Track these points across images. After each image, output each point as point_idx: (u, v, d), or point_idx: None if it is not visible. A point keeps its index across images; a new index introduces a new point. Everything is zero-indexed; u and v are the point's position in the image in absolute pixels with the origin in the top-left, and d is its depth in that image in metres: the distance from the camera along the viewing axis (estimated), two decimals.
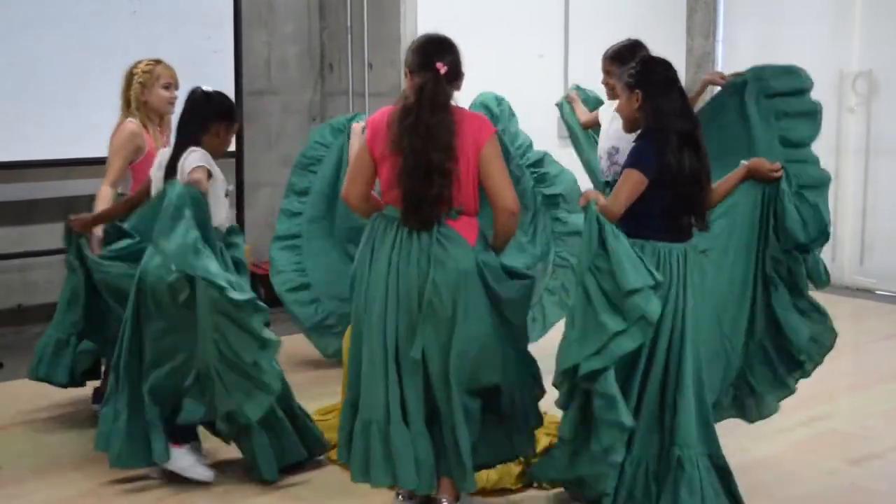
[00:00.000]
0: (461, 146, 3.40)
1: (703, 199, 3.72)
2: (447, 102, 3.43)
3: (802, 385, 4.03)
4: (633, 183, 3.59)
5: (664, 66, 3.76)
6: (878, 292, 7.57)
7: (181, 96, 4.45)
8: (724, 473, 3.67)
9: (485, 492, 4.02)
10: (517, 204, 3.57)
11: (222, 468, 4.25)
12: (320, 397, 4.88)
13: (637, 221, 3.62)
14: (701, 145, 3.69)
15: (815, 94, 4.06)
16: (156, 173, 4.27)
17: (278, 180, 7.48)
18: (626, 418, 3.47)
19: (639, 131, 3.77)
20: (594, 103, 5.30)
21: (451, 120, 3.40)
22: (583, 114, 5.28)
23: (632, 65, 3.78)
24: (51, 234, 6.51)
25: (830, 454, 4.36)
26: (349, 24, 7.29)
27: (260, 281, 7.02)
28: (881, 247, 7.67)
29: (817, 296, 3.93)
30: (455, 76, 3.50)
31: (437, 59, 3.42)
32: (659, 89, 3.68)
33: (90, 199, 6.52)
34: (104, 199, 4.68)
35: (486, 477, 4.01)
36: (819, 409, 4.93)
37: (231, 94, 6.62)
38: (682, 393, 3.58)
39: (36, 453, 4.36)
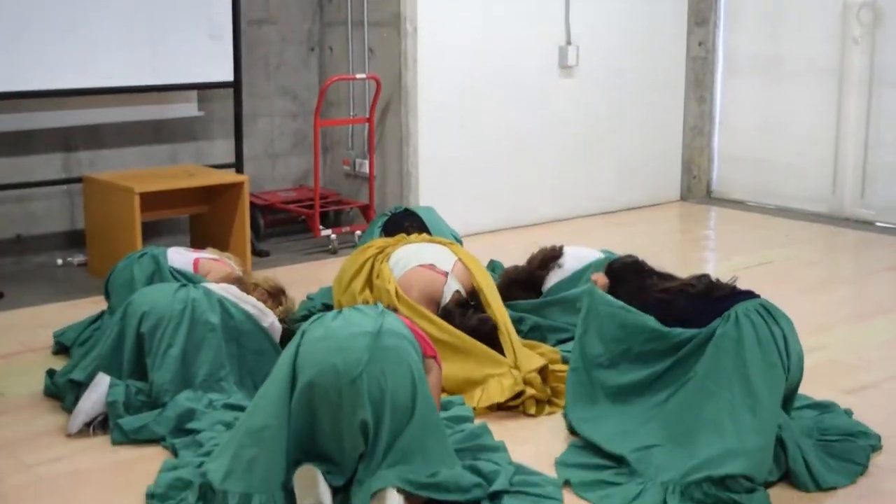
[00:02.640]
0: None
1: None
2: None
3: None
4: None
5: None
6: (878, 224, 7.56)
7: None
8: None
9: (475, 412, 3.98)
10: None
11: None
12: None
13: None
14: None
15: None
16: None
17: (276, 110, 7.45)
18: None
19: None
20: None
21: None
22: None
23: None
24: (49, 165, 6.50)
25: (828, 384, 4.37)
26: None
27: (260, 211, 7.02)
28: (883, 179, 7.63)
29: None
30: None
31: None
32: None
33: (88, 130, 6.54)
34: None
35: (478, 397, 4.06)
36: (817, 339, 4.94)
37: (230, 23, 6.60)
38: None
39: (36, 381, 4.38)
